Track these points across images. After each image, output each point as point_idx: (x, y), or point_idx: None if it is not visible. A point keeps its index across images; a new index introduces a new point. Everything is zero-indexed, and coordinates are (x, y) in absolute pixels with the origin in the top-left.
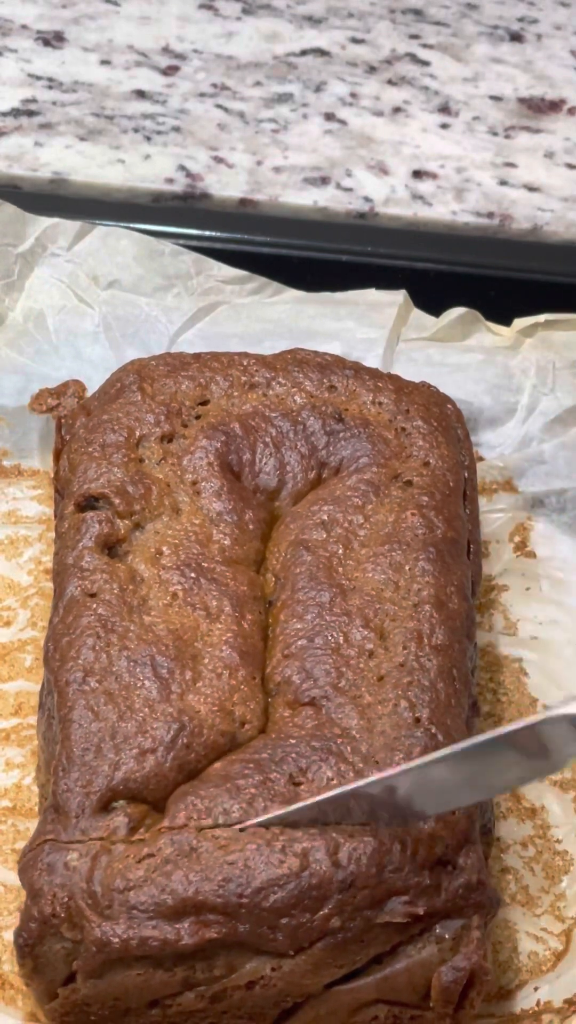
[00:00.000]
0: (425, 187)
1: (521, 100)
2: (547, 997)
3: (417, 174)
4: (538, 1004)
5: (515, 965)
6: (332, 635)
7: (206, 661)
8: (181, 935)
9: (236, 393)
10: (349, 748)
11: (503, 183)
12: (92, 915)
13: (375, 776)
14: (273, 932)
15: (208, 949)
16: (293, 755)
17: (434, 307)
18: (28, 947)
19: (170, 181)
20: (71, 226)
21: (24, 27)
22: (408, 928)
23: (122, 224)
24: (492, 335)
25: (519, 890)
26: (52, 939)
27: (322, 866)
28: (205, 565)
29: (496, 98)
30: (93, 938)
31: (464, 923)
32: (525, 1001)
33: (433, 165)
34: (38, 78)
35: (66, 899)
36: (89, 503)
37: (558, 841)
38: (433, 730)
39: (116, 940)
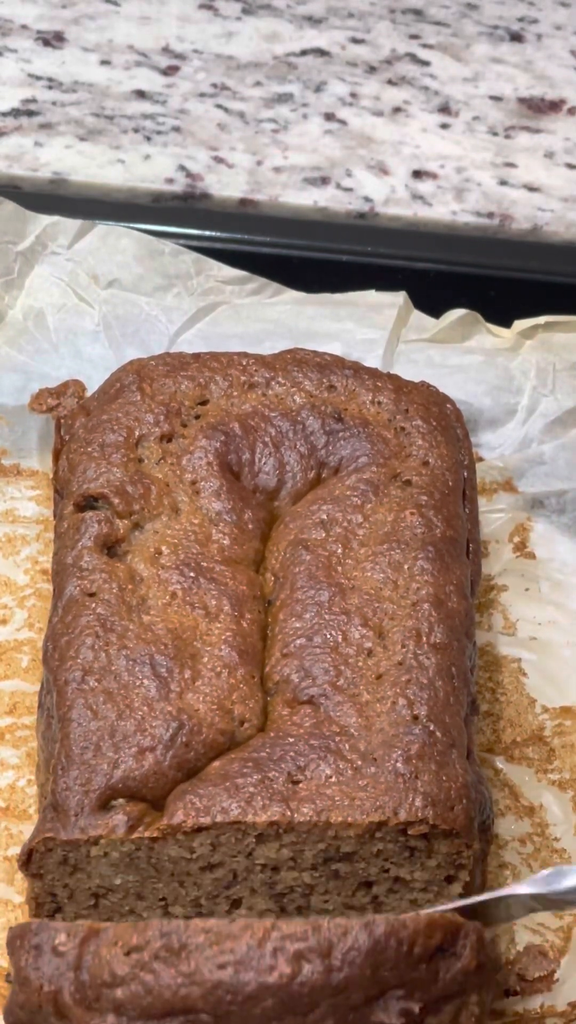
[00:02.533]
0: (425, 187)
1: (521, 100)
2: (550, 1001)
3: (417, 174)
4: (541, 1007)
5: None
6: (331, 634)
7: (205, 660)
8: None
9: (235, 393)
10: (347, 746)
11: (503, 183)
12: (79, 1010)
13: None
14: None
15: None
16: (292, 753)
17: (434, 307)
18: None
19: (170, 181)
20: (71, 224)
21: (24, 27)
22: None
23: (122, 224)
24: (492, 337)
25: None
26: (41, 1022)
27: (315, 971)
28: (204, 565)
29: (496, 98)
30: None
31: (463, 1000)
32: (529, 1002)
33: (433, 165)
34: (38, 78)
35: (53, 991)
36: (88, 503)
37: (556, 839)
38: (431, 727)
39: None
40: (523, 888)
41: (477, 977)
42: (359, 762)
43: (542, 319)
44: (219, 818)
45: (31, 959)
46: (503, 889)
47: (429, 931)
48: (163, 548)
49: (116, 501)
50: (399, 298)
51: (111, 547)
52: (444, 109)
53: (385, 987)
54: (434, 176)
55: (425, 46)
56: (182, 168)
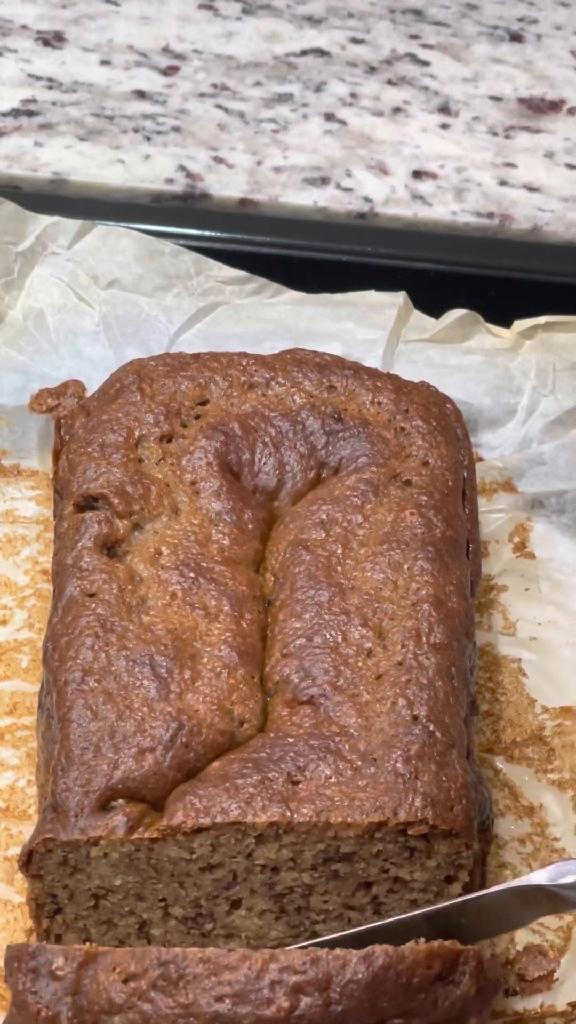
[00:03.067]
0: (425, 187)
1: (521, 100)
2: (550, 1001)
3: (417, 174)
4: (541, 1007)
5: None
6: (330, 634)
7: (205, 660)
8: None
9: (235, 393)
10: (347, 746)
11: (503, 183)
12: None
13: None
14: None
15: None
16: (291, 754)
17: (434, 307)
18: None
19: (170, 181)
20: (71, 225)
21: (24, 27)
22: None
23: (122, 224)
24: (492, 337)
25: None
26: None
27: (313, 1004)
28: (204, 565)
29: (496, 98)
30: None
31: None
32: (529, 1001)
33: (433, 165)
34: (38, 78)
35: (50, 1016)
36: (88, 503)
37: (556, 839)
38: (431, 728)
39: None
40: (531, 879)
41: (477, 1003)
42: (359, 762)
43: (542, 319)
44: (219, 819)
45: (28, 983)
46: (510, 882)
47: (428, 961)
48: (163, 548)
49: (116, 501)
50: (399, 298)
51: (111, 547)
52: (444, 109)
53: (383, 1017)
54: (434, 176)
55: (425, 46)
56: (182, 168)
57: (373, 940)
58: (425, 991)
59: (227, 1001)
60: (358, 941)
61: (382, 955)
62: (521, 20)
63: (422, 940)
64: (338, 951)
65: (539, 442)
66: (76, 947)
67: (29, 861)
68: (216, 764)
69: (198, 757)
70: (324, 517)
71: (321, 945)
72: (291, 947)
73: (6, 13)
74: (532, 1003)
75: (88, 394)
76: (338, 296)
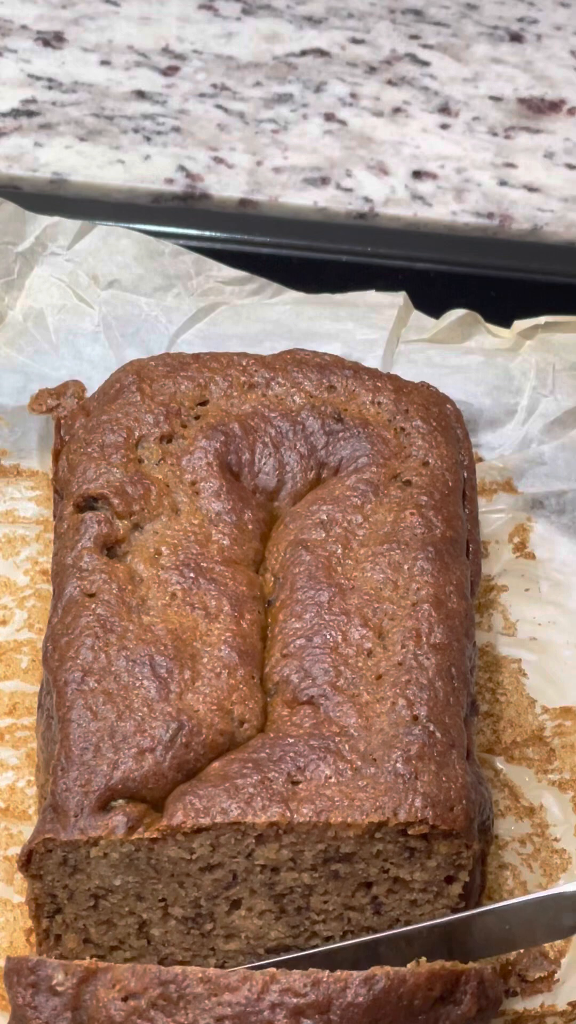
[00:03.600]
0: (425, 187)
1: (521, 100)
2: (550, 1001)
3: (417, 174)
4: (542, 1006)
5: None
6: (331, 634)
7: (205, 661)
8: None
9: (235, 393)
10: (347, 746)
11: (503, 183)
12: None
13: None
14: None
15: None
16: (291, 754)
17: (434, 307)
18: None
19: (170, 181)
20: (71, 225)
21: (24, 27)
22: None
23: (122, 225)
24: (492, 337)
25: (517, 886)
26: None
27: None
28: (204, 565)
29: (496, 98)
30: None
31: None
32: (529, 1001)
33: (433, 165)
34: (38, 78)
35: None
36: (88, 504)
37: (556, 840)
38: (431, 728)
39: None
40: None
41: (477, 1022)
42: (359, 762)
43: (542, 319)
44: (219, 819)
45: (28, 997)
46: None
47: (430, 984)
48: (163, 549)
49: (116, 502)
50: (399, 298)
51: (111, 548)
52: (444, 109)
53: None
54: (434, 176)
55: (425, 46)
56: (182, 168)
57: (387, 948)
58: (426, 1012)
59: (227, 1022)
60: (370, 949)
61: (383, 978)
62: (521, 20)
63: (423, 960)
64: (340, 973)
65: (539, 442)
66: (76, 963)
67: (29, 861)
68: (216, 764)
69: (198, 757)
70: (324, 517)
71: (348, 949)
72: (299, 954)
73: (6, 13)
74: (532, 1003)
75: (88, 394)
76: (338, 296)
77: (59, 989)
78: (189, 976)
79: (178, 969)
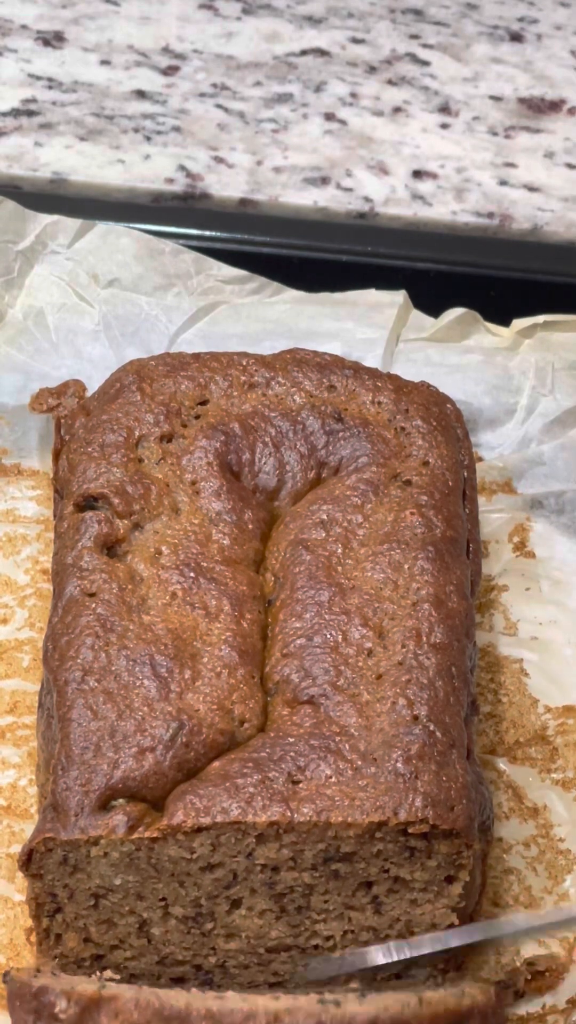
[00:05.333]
0: (425, 187)
1: (521, 100)
2: (551, 1000)
3: (417, 174)
4: (543, 1007)
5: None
6: (331, 634)
7: (205, 660)
8: None
9: (235, 393)
10: (348, 746)
11: (503, 183)
12: None
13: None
14: None
15: None
16: (292, 754)
17: (434, 307)
18: None
19: (170, 181)
20: (71, 223)
21: (24, 27)
22: None
23: (122, 224)
24: (491, 336)
25: (522, 891)
26: None
27: None
28: (204, 565)
29: (496, 98)
30: None
31: None
32: (531, 1004)
33: (433, 165)
34: (38, 78)
35: None
36: (88, 503)
37: (561, 840)
38: (431, 727)
39: None
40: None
41: None
42: (359, 762)
43: (541, 318)
44: (219, 818)
45: (30, 1023)
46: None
47: (432, 1022)
48: (163, 548)
49: (116, 501)
50: (399, 297)
51: (111, 547)
52: (444, 109)
53: None
54: (434, 176)
55: (425, 46)
56: (182, 168)
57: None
58: None
59: None
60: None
61: (387, 1021)
62: (521, 20)
63: (425, 995)
64: (344, 1012)
65: (538, 442)
66: (80, 991)
67: (29, 860)
68: (216, 764)
69: (198, 757)
70: (324, 517)
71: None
72: (312, 960)
73: (6, 13)
74: (534, 1004)
75: (88, 394)
76: (338, 296)
77: (61, 1017)
78: (193, 1012)
79: (182, 1005)
